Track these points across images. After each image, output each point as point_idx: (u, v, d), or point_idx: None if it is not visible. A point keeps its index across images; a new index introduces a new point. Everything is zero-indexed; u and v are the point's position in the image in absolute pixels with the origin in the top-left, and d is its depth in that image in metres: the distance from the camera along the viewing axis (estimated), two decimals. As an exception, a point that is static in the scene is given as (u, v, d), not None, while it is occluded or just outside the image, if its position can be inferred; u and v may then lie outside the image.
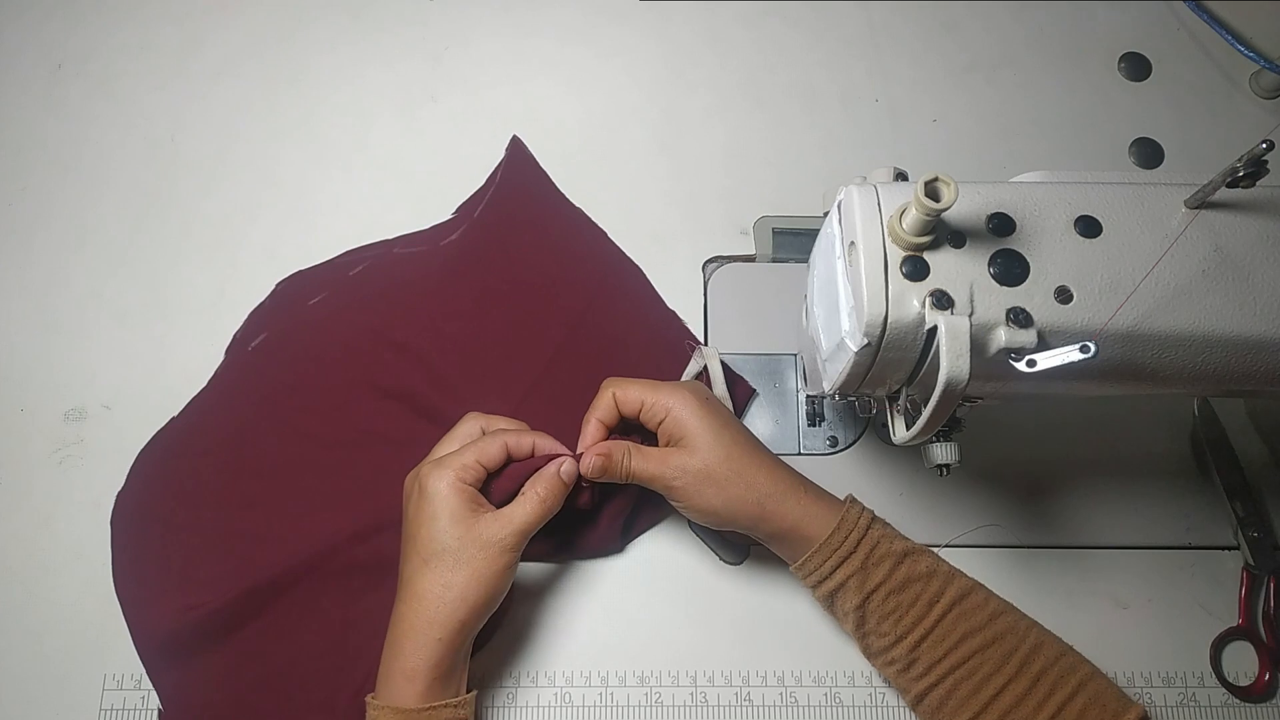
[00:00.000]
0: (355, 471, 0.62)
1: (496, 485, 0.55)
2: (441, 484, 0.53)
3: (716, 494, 0.54)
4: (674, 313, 0.67)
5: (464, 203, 0.70)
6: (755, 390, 0.66)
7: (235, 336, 0.66)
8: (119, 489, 0.63)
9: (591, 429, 0.57)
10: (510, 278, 0.67)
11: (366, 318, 0.66)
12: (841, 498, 0.57)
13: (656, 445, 0.57)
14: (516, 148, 0.71)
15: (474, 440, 0.55)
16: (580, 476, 0.56)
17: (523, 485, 0.55)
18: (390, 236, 0.69)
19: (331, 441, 0.63)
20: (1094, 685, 0.52)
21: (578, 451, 0.57)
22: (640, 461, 0.55)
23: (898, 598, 0.53)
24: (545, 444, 0.56)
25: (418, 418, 0.64)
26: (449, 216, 0.70)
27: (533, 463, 0.56)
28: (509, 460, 0.55)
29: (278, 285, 0.68)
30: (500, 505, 0.55)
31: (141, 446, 0.64)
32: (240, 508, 0.62)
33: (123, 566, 0.61)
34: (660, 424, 0.56)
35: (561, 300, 0.67)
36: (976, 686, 0.52)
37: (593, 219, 0.70)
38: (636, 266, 0.68)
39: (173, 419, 0.64)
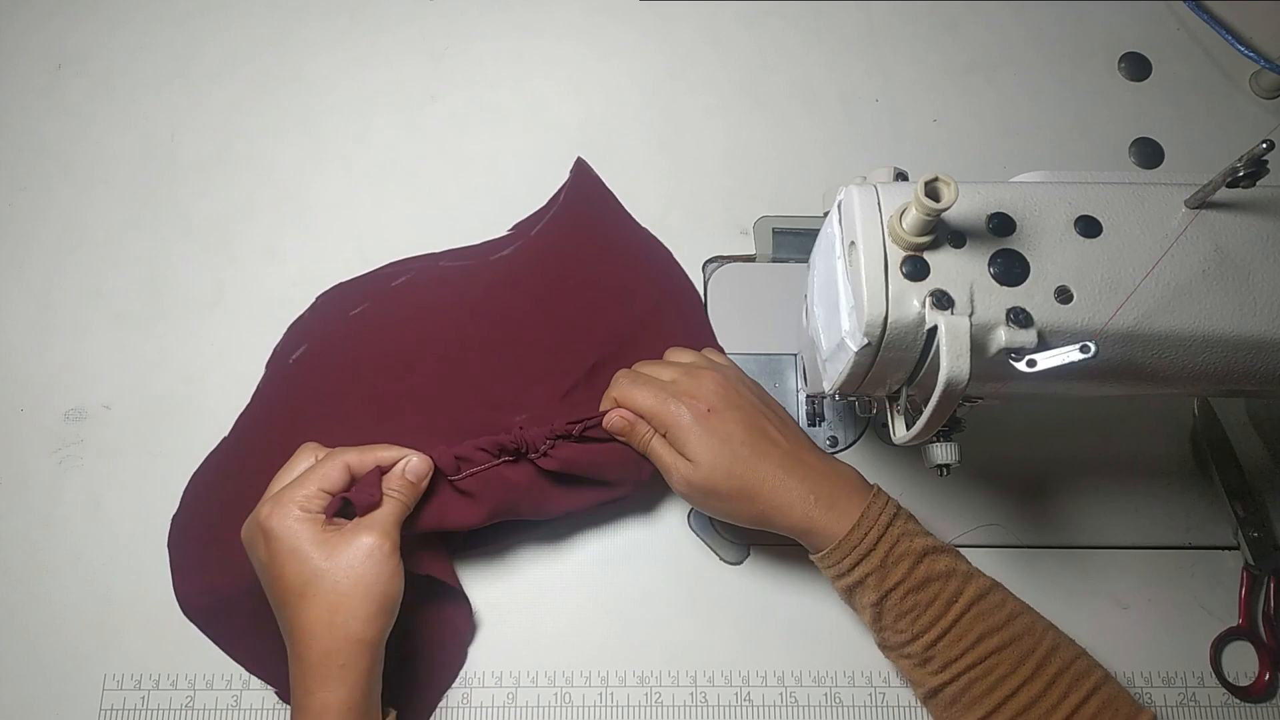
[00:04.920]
0: None
1: (354, 498, 0.53)
2: (288, 519, 0.51)
3: (719, 505, 0.56)
4: (721, 349, 0.66)
5: (520, 221, 0.69)
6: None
7: (275, 350, 0.66)
8: (172, 512, 0.62)
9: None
10: (562, 289, 0.66)
11: (409, 329, 0.66)
12: (871, 487, 0.56)
13: None
14: (581, 170, 0.70)
15: (309, 469, 0.54)
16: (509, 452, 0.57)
17: (378, 490, 0.53)
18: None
19: None
20: (1107, 689, 0.52)
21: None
22: (660, 446, 0.57)
23: (915, 596, 0.53)
24: (388, 454, 0.55)
25: (459, 428, 0.62)
26: (505, 233, 0.69)
27: (378, 470, 0.54)
28: (353, 480, 0.54)
29: (318, 297, 0.67)
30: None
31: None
32: None
33: (186, 591, 0.61)
34: (665, 436, 0.57)
35: (612, 315, 0.65)
36: (992, 685, 0.52)
37: (661, 241, 0.69)
38: (697, 296, 0.68)
39: (224, 439, 0.64)
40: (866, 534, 0.54)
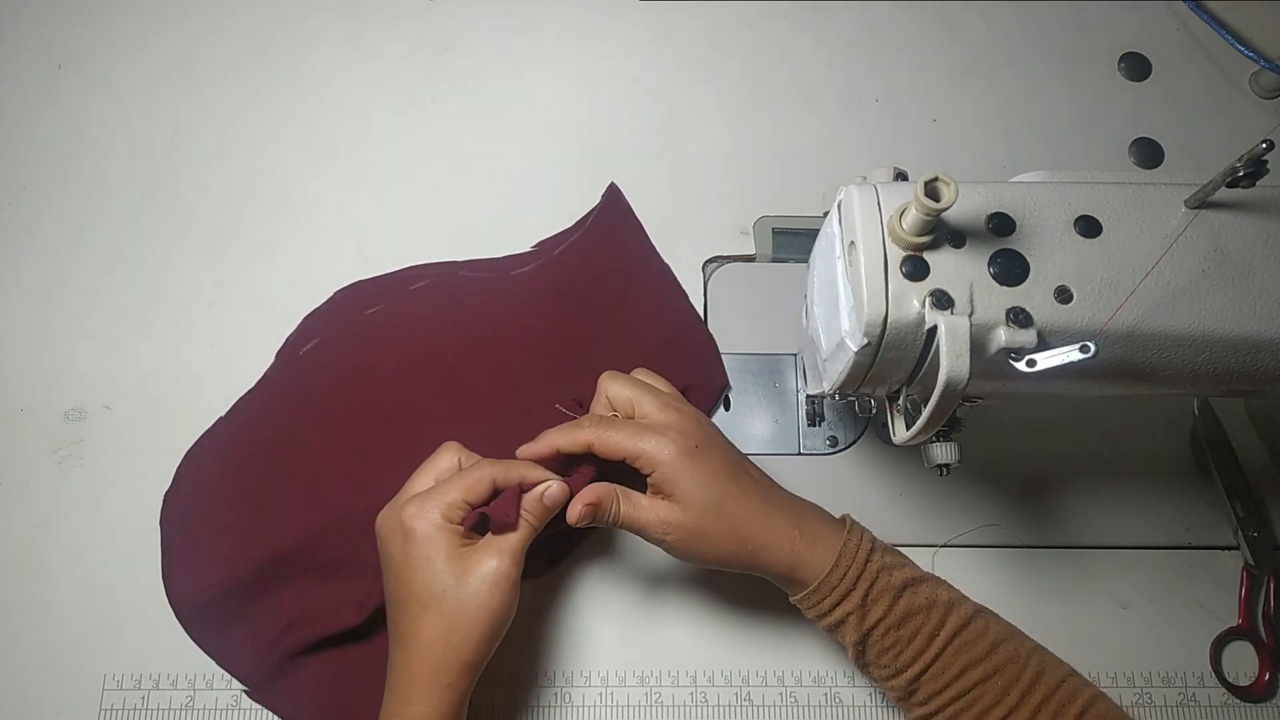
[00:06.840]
0: (386, 490, 0.60)
1: (494, 514, 0.52)
2: (429, 526, 0.51)
3: (710, 548, 0.53)
4: (728, 383, 0.66)
5: (545, 239, 0.69)
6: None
7: (288, 339, 0.66)
8: (165, 490, 0.62)
9: (541, 448, 0.54)
10: (577, 314, 0.66)
11: (422, 334, 0.66)
12: (840, 518, 0.55)
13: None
14: (613, 195, 0.70)
15: (455, 475, 0.53)
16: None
17: (516, 510, 0.52)
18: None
19: (370, 456, 0.63)
20: (1096, 710, 0.52)
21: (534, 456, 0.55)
22: (630, 508, 0.53)
23: (897, 633, 0.53)
24: (533, 475, 0.54)
25: (458, 439, 0.59)
26: (529, 249, 0.69)
27: (518, 488, 0.53)
28: (494, 495, 0.53)
29: (336, 292, 0.67)
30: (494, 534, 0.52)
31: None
32: (279, 518, 0.61)
33: (174, 570, 0.61)
34: (649, 476, 0.54)
35: (620, 348, 0.64)
36: (977, 716, 0.52)
37: (678, 278, 0.68)
38: (709, 338, 0.67)
39: (220, 418, 0.64)
40: (845, 573, 0.53)
